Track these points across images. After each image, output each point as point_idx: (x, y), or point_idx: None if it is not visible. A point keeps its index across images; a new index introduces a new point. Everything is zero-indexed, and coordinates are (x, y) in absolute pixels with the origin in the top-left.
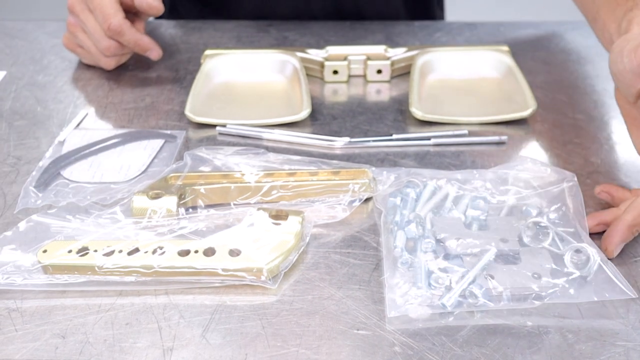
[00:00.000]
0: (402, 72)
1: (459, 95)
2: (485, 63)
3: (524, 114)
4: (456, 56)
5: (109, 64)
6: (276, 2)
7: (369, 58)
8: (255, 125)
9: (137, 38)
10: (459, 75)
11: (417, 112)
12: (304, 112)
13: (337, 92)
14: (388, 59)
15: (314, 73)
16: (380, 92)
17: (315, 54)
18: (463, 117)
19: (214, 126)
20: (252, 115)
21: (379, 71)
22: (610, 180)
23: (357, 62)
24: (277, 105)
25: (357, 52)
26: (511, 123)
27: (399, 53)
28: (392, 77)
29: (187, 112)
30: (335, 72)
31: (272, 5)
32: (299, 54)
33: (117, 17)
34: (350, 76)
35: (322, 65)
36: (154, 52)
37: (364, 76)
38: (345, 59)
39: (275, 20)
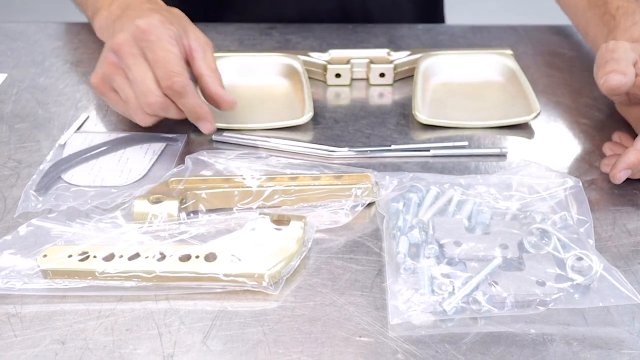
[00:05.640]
0: (405, 76)
1: (463, 99)
2: (488, 67)
3: (528, 118)
4: (459, 60)
5: (147, 121)
6: (283, 5)
7: (371, 61)
8: (257, 129)
9: (198, 105)
10: (463, 78)
11: (420, 116)
12: (306, 116)
13: (339, 95)
14: (391, 62)
15: (316, 76)
16: (383, 95)
17: (317, 57)
18: (466, 122)
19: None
20: (253, 119)
21: (382, 74)
22: (614, 186)
23: (360, 66)
24: (279, 109)
25: (359, 55)
26: (515, 127)
27: (402, 56)
28: (395, 81)
29: None
30: (337, 75)
31: (279, 9)
32: (302, 57)
33: (183, 77)
34: (352, 79)
35: (324, 69)
36: (208, 125)
37: (367, 79)
38: (348, 62)
39: (279, 23)
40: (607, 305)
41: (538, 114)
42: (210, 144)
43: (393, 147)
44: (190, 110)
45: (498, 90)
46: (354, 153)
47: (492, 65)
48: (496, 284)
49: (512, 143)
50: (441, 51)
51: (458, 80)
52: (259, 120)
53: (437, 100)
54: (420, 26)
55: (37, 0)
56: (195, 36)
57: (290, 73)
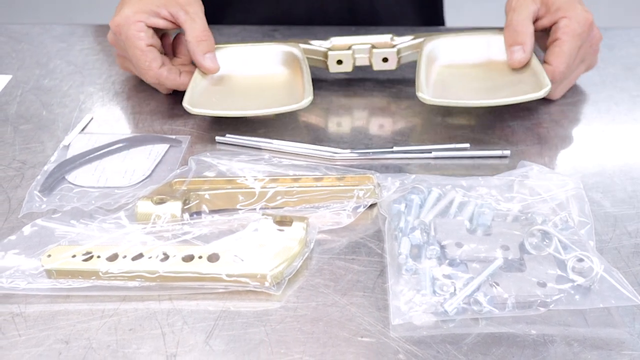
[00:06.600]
0: (409, 60)
1: (468, 80)
2: (494, 47)
3: (538, 94)
4: (464, 41)
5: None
6: (290, 6)
7: (374, 47)
8: (255, 116)
9: (177, 84)
10: (468, 60)
11: (424, 96)
12: (306, 100)
13: (342, 94)
14: (394, 46)
15: (318, 64)
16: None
17: (318, 44)
18: (473, 100)
19: (218, 131)
20: (252, 106)
21: (385, 59)
22: (615, 189)
23: (362, 52)
24: (279, 95)
25: (361, 41)
26: (517, 130)
27: (405, 40)
28: (399, 66)
29: (185, 104)
30: (339, 62)
31: (286, 10)
32: (302, 45)
33: (152, 70)
34: (355, 66)
35: (325, 55)
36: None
37: (370, 66)
38: (349, 48)
39: (282, 25)
40: (607, 307)
41: (548, 89)
42: (214, 145)
43: (395, 148)
44: (175, 88)
45: (505, 70)
46: (356, 154)
47: (498, 45)
48: (497, 285)
49: (513, 144)
50: (445, 34)
51: (463, 62)
52: (257, 107)
53: (442, 82)
54: (423, 29)
55: (41, 2)
56: (176, 1)
57: (290, 61)
